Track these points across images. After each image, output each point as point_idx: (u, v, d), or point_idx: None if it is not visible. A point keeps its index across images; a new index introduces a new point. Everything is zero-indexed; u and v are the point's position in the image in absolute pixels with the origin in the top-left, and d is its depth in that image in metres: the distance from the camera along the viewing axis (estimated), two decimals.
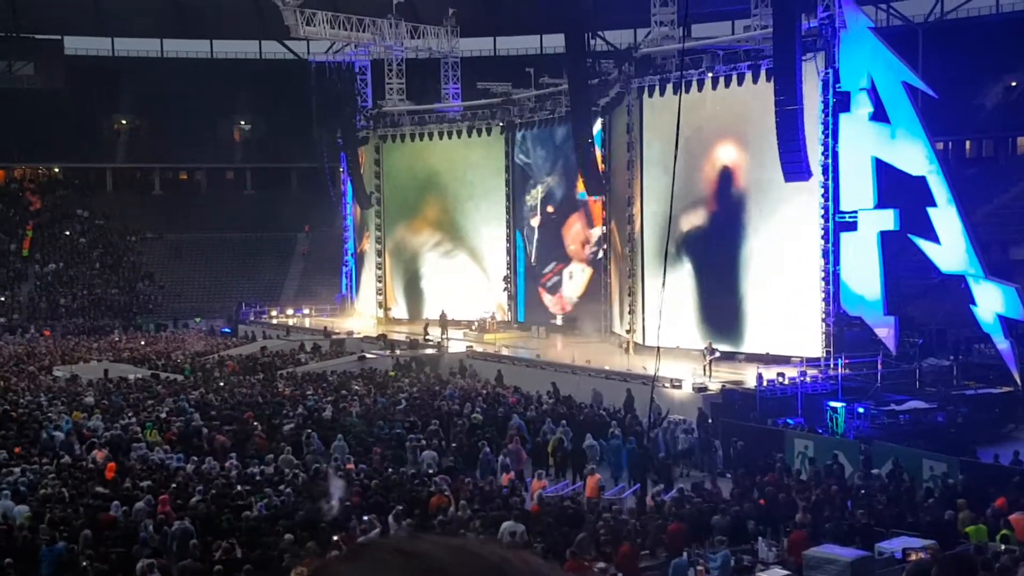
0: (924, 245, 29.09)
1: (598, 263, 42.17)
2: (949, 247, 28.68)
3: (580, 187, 42.16)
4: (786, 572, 14.97)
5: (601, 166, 39.67)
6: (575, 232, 44.12)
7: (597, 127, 40.85)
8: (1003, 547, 15.48)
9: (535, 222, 45.21)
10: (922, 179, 28.85)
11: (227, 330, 51.90)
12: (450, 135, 47.59)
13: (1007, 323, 28.18)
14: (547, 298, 44.81)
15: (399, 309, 49.29)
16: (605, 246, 41.02)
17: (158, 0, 64.87)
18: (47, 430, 24.15)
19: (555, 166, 44.15)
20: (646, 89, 36.05)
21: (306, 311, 53.74)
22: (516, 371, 34.62)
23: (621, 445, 23.50)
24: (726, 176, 33.97)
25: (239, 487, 18.49)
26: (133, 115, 69.90)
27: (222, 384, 32.73)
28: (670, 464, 23.06)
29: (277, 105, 63.62)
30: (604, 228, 41.35)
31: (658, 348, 24.17)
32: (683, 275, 34.63)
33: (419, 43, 50.04)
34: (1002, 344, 28.25)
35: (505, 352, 39.06)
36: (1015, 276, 35.25)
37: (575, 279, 44.20)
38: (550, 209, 44.67)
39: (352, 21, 48.43)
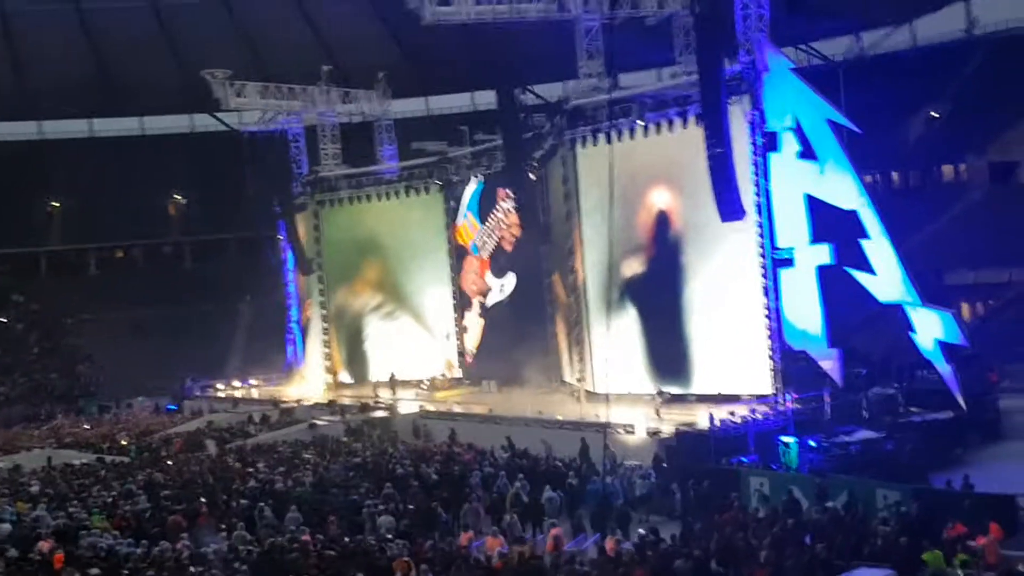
0: (861, 277, 29.58)
1: (488, 312, 44.28)
2: (885, 277, 29.21)
3: (459, 238, 45.80)
4: None
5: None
6: (471, 278, 45.68)
7: (474, 185, 44.11)
8: (960, 572, 15.64)
9: None
10: (854, 213, 29.41)
11: (173, 407, 50.98)
12: (388, 196, 47.77)
13: (946, 348, 28.67)
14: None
15: (345, 374, 48.93)
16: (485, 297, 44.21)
17: (85, 80, 64.53)
18: None
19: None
20: (579, 140, 36.55)
21: (253, 382, 53.04)
22: (470, 427, 34.42)
23: (600, 490, 23.51)
24: (663, 220, 34.41)
25: (192, 568, 18.05)
26: (65, 196, 69.00)
27: (169, 463, 32.09)
28: (628, 511, 22.98)
29: (212, 177, 63.30)
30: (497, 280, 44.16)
31: (607, 395, 24.27)
32: (628, 321, 34.86)
33: (351, 107, 50.24)
34: (943, 369, 28.72)
35: (457, 409, 38.89)
36: (950, 301, 36.05)
37: (471, 331, 45.42)
38: None
39: (283, 90, 48.54)
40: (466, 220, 45.57)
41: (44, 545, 20.72)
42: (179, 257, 70.20)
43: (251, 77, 48.83)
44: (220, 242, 68.22)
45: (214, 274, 64.18)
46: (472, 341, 45.57)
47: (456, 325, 46.08)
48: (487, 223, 44.34)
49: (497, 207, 43.42)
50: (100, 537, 21.80)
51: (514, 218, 42.63)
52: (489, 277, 44.67)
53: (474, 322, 45.52)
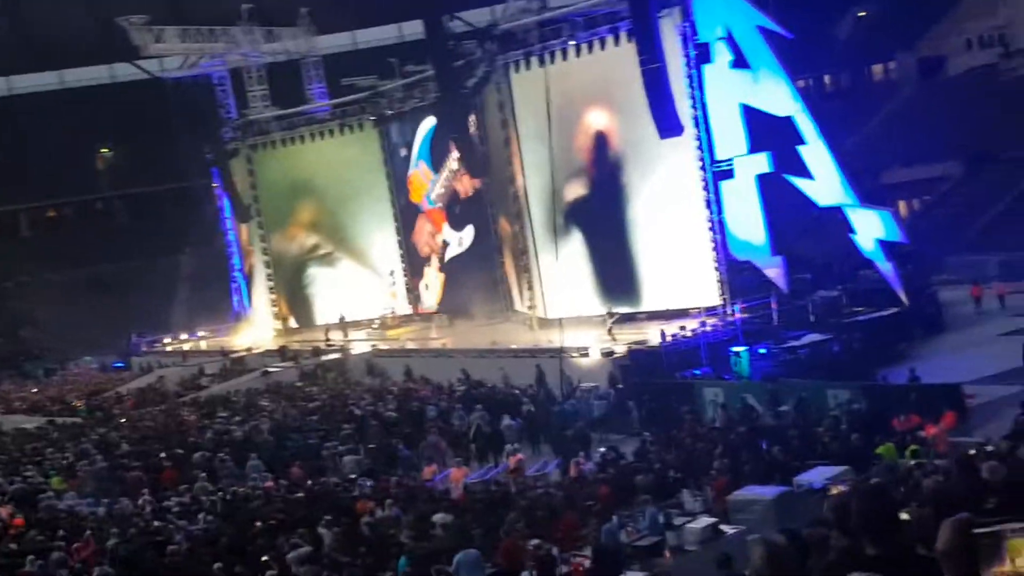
0: (800, 183, 29.80)
1: (448, 266, 43.28)
2: (823, 181, 29.45)
3: (412, 192, 44.31)
4: (712, 519, 15.25)
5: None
6: (426, 234, 44.79)
7: (426, 127, 42.76)
8: (912, 462, 16.05)
9: None
10: (789, 119, 29.52)
11: (120, 364, 50.39)
12: (322, 135, 46.93)
13: (886, 246, 29.12)
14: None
15: (292, 318, 48.61)
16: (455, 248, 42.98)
17: None
18: None
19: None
20: (512, 65, 36.08)
21: (201, 334, 52.47)
22: (425, 363, 34.46)
23: (566, 411, 23.81)
24: (601, 141, 34.27)
25: (156, 522, 17.99)
26: None
27: (123, 421, 31.80)
28: (588, 432, 23.24)
29: (138, 128, 61.66)
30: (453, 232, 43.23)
31: (560, 320, 24.36)
32: (575, 244, 34.90)
33: (276, 46, 49.10)
34: (884, 267, 29.19)
35: (411, 346, 38.83)
36: (888, 200, 36.58)
37: (431, 288, 44.85)
38: None
39: (203, 32, 47.24)
40: (418, 169, 44.61)
41: (3, 511, 20.50)
42: (112, 212, 68.78)
43: (169, 21, 47.39)
44: (153, 194, 66.80)
45: (150, 227, 62.97)
46: (433, 297, 44.80)
47: (403, 262, 45.72)
48: (440, 172, 43.49)
49: (449, 156, 42.69)
50: (59, 499, 21.66)
51: (464, 170, 41.93)
52: (447, 230, 43.70)
53: (434, 278, 44.75)
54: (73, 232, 66.40)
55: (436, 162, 43.51)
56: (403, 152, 44.94)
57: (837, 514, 5.18)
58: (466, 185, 42.06)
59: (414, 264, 45.50)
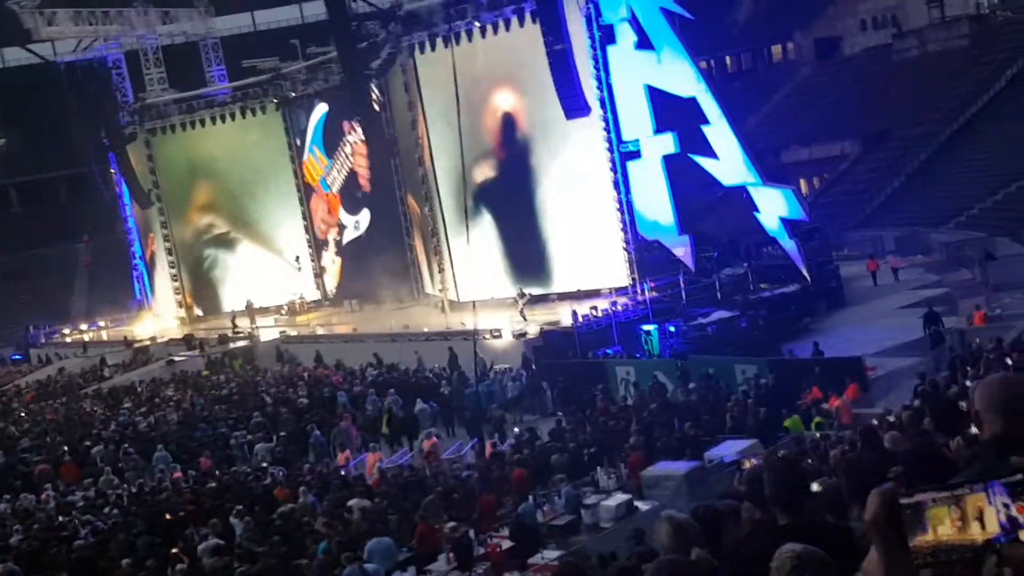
0: (704, 162, 30.26)
1: (345, 250, 43.10)
2: (727, 161, 29.96)
3: (307, 175, 44.20)
4: (627, 496, 15.46)
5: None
6: (322, 214, 44.42)
7: (318, 113, 42.56)
8: (818, 434, 16.50)
9: None
10: (693, 100, 29.93)
11: (18, 357, 48.83)
12: (223, 119, 45.86)
13: (789, 224, 29.79)
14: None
15: (197, 306, 47.66)
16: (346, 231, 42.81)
17: None
18: None
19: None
20: (416, 46, 35.81)
21: (101, 324, 51.07)
22: (336, 348, 34.09)
23: (477, 394, 23.88)
24: (509, 122, 34.27)
25: (61, 518, 17.53)
26: None
27: (23, 414, 30.85)
28: (503, 414, 23.32)
29: (31, 114, 59.58)
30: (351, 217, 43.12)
31: (474, 302, 24.37)
32: (485, 226, 34.88)
33: (172, 28, 47.76)
34: (787, 244, 29.85)
35: (321, 331, 38.40)
36: (789, 178, 37.41)
37: (328, 272, 44.52)
38: None
39: (97, 14, 45.71)
40: (312, 155, 44.19)
41: None
42: (6, 201, 66.37)
43: (62, 3, 45.75)
44: (49, 181, 64.65)
45: (46, 215, 60.99)
46: (332, 281, 44.61)
47: (309, 247, 45.19)
48: (335, 158, 43.08)
49: (344, 140, 42.26)
50: None
51: (362, 149, 41.52)
52: (343, 215, 43.52)
53: (330, 262, 44.50)
54: None
55: (330, 148, 43.20)
56: (297, 141, 44.45)
57: (750, 487, 5.29)
58: (362, 169, 41.82)
59: (320, 249, 45.09)
